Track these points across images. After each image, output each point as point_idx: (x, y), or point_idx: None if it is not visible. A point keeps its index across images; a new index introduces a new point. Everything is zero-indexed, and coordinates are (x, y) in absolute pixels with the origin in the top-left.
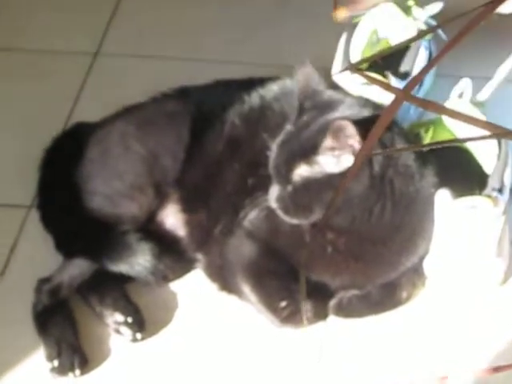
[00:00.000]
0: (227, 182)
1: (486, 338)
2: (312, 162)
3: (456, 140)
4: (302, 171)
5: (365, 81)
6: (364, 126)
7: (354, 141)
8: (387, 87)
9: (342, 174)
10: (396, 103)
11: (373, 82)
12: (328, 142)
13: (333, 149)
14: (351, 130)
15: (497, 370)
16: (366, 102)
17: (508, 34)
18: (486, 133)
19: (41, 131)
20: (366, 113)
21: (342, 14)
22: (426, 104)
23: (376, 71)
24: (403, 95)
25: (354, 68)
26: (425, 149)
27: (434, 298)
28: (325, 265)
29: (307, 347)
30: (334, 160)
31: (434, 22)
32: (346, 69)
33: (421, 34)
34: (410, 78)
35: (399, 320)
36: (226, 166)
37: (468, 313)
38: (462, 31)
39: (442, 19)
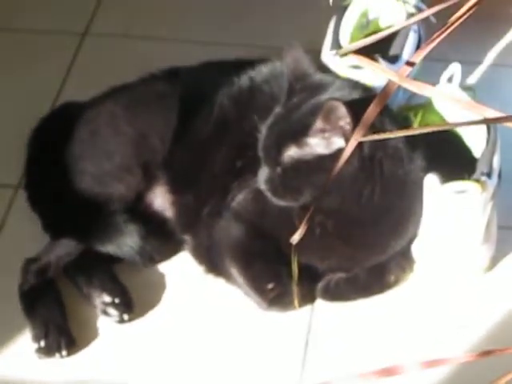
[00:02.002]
0: (216, 164)
1: (473, 323)
2: (302, 144)
3: (446, 124)
4: (291, 153)
5: (352, 63)
6: (354, 107)
7: (345, 122)
8: (383, 70)
9: (332, 156)
10: (391, 86)
11: (368, 65)
12: (319, 122)
13: (323, 130)
14: (342, 111)
15: (486, 353)
16: (355, 84)
17: (498, 18)
18: (476, 117)
19: (28, 111)
20: (355, 95)
21: None
22: (421, 87)
23: (365, 55)
24: (398, 78)
25: (346, 51)
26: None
27: (421, 282)
28: (313, 247)
29: (294, 330)
30: (323, 142)
31: (423, 5)
32: (337, 53)
33: (413, 18)
34: (400, 61)
35: (387, 304)
36: (214, 148)
37: (456, 297)
38: (461, 13)
39: (431, 2)
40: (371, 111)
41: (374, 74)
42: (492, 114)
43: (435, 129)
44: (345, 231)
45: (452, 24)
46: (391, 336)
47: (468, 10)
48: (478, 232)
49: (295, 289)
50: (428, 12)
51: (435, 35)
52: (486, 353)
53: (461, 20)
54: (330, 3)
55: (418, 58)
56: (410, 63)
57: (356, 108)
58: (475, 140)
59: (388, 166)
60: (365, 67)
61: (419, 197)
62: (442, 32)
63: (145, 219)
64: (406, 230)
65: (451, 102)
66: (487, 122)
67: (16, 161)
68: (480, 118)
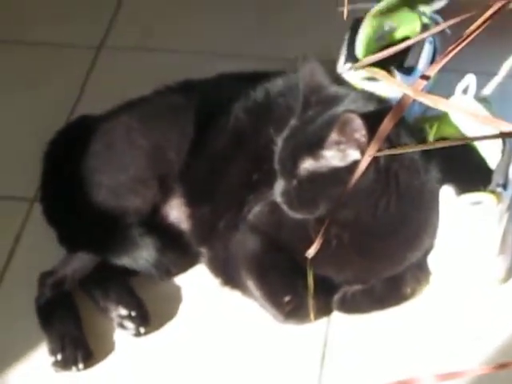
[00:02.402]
0: (231, 177)
1: (488, 334)
2: (317, 156)
3: (461, 139)
4: (307, 165)
5: (365, 75)
6: (369, 120)
7: (360, 135)
8: (398, 85)
9: (348, 168)
10: (405, 101)
11: (383, 79)
12: (334, 135)
13: (338, 143)
14: (358, 123)
15: (502, 366)
16: (370, 96)
17: None
18: (492, 131)
19: (44, 124)
20: (371, 107)
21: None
22: (436, 101)
23: (380, 66)
24: (413, 92)
25: (362, 65)
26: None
27: (437, 294)
28: (329, 259)
29: (310, 343)
30: (339, 154)
31: (438, 17)
32: (352, 67)
33: (428, 32)
34: (415, 73)
35: (403, 316)
36: (230, 161)
37: (472, 309)
38: (476, 26)
39: (446, 13)
40: (386, 124)
41: (390, 86)
42: (507, 126)
43: (451, 144)
44: (361, 243)
45: (467, 37)
46: (407, 348)
47: (483, 23)
48: (494, 243)
49: (311, 301)
50: (443, 25)
51: (450, 48)
52: (502, 365)
53: (476, 33)
54: (345, 17)
55: (432, 72)
56: (424, 77)
57: (371, 120)
58: (490, 151)
59: (404, 177)
60: (380, 80)
61: (435, 208)
62: (457, 45)
63: (161, 232)
64: (421, 242)
65: (467, 116)
66: (503, 136)
67: (32, 174)
68: (496, 131)
